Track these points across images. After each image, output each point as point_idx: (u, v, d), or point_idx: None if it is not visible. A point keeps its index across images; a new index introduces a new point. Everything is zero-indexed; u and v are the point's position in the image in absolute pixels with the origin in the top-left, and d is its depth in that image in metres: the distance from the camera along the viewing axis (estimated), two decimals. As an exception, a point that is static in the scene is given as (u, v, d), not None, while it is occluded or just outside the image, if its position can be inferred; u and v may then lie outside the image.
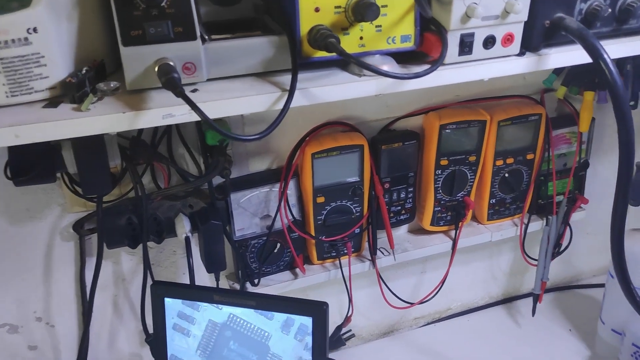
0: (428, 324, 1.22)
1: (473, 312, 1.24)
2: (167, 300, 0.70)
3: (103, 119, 0.53)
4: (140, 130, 0.81)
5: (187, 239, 0.85)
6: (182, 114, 0.55)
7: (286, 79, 0.60)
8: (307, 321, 0.66)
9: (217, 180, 0.87)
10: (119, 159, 0.80)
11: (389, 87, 0.62)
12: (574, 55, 0.71)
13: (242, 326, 0.68)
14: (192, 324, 0.70)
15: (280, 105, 0.58)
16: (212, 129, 0.52)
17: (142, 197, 0.83)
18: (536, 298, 1.14)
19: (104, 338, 0.96)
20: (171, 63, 0.56)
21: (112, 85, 0.56)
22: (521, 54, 0.71)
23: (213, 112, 0.55)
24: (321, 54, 0.61)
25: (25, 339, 0.92)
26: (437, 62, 0.63)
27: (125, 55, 0.56)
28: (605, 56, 0.65)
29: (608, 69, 0.64)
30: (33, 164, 0.75)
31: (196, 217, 0.87)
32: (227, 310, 0.68)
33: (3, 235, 0.84)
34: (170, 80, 0.53)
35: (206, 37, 0.60)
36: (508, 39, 0.68)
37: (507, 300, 1.26)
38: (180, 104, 0.55)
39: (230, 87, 0.59)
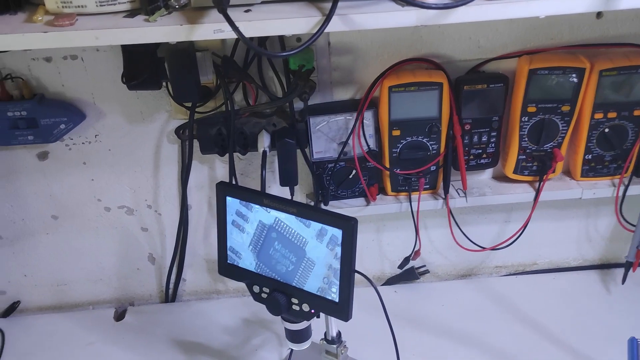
0: (510, 274, 1.20)
1: (562, 271, 1.19)
2: (228, 199, 0.80)
3: (162, 29, 0.63)
4: (233, 51, 0.91)
5: (264, 153, 0.94)
6: (230, 30, 0.62)
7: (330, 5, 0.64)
8: (338, 233, 0.72)
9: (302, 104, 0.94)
10: (212, 74, 0.91)
11: (431, 18, 0.63)
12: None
13: (285, 230, 0.77)
14: (246, 222, 0.80)
15: (321, 29, 0.63)
16: (245, 43, 0.59)
17: (231, 112, 0.94)
18: (629, 266, 1.06)
19: (199, 232, 1.12)
20: (229, -17, 0.63)
21: (181, 2, 0.65)
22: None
23: (256, 30, 0.62)
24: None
25: (139, 221, 1.10)
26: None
27: (192, -26, 0.64)
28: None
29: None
30: (142, 72, 0.89)
31: (276, 136, 0.96)
32: (274, 214, 0.77)
33: (121, 132, 1.00)
34: (217, -3, 0.60)
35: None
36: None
37: (603, 267, 1.18)
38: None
39: (280, 10, 0.65)
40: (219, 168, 1.05)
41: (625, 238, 1.15)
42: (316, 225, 0.74)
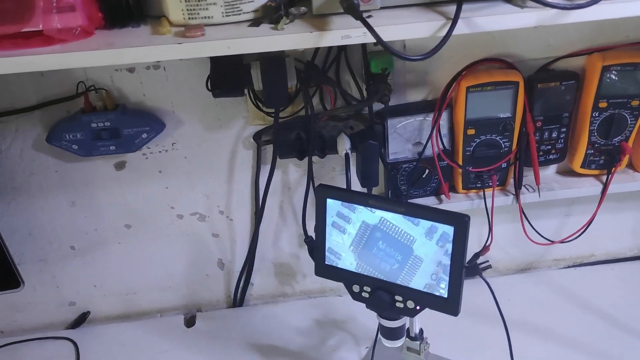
0: (568, 267, 1.23)
1: (619, 262, 1.22)
2: (328, 201, 0.81)
3: (294, 37, 0.64)
4: (314, 56, 0.92)
5: (347, 156, 0.96)
6: (357, 36, 0.64)
7: (450, 9, 0.66)
8: (449, 230, 0.74)
9: (377, 106, 0.96)
10: (294, 79, 0.93)
11: (549, 18, 0.65)
12: None
13: (390, 229, 0.78)
14: (348, 223, 0.81)
15: (444, 33, 0.65)
16: (385, 48, 0.61)
17: (311, 116, 0.95)
18: (690, 254, 1.10)
19: (269, 236, 1.13)
20: (352, -9, 0.65)
21: (301, 10, 0.67)
22: None
23: (384, 35, 0.64)
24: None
25: (210, 227, 1.11)
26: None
27: (314, -16, 0.66)
28: None
29: None
30: (227, 80, 0.90)
31: (356, 138, 0.97)
32: (379, 214, 0.78)
33: (198, 139, 1.01)
34: (351, 5, 0.62)
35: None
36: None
37: (658, 256, 1.22)
38: (356, 26, 0.64)
39: (400, 15, 0.67)
40: (292, 172, 1.07)
41: (681, 227, 1.20)
42: (426, 223, 0.76)
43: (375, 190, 1.07)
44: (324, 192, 0.82)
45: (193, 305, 1.19)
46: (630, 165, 1.08)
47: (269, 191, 1.05)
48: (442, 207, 1.05)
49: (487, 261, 1.19)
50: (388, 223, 0.78)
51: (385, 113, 0.96)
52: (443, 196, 1.05)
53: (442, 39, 0.64)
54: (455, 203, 1.06)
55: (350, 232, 0.82)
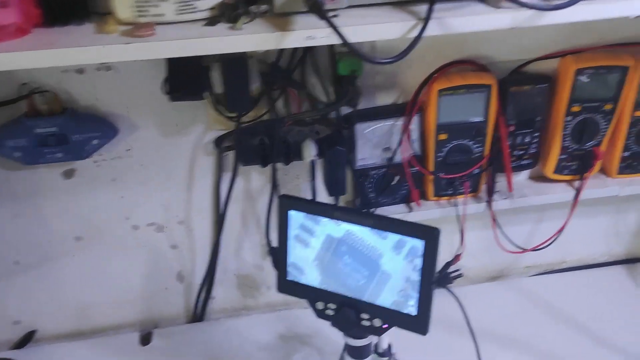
0: (539, 274, 1.21)
1: (590, 268, 1.20)
2: (291, 212, 0.76)
3: (254, 37, 0.59)
4: (279, 57, 0.87)
5: (312, 163, 0.91)
6: (322, 37, 0.59)
7: (422, 9, 0.62)
8: (419, 244, 0.70)
9: (345, 110, 0.92)
10: (258, 82, 0.87)
11: (525, 20, 0.62)
12: None
13: (357, 242, 0.74)
14: (312, 236, 0.76)
15: (415, 34, 0.60)
16: (351, 50, 0.56)
17: (275, 120, 0.90)
18: (662, 260, 1.09)
19: (231, 247, 1.07)
20: (316, -12, 0.60)
21: (261, 8, 0.61)
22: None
23: (351, 36, 0.59)
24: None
25: (168, 238, 1.05)
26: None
27: (274, -20, 0.61)
28: None
29: None
30: (185, 82, 0.84)
31: (322, 143, 0.92)
32: (345, 226, 0.74)
33: (155, 145, 0.95)
34: (315, 3, 0.57)
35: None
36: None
37: (630, 261, 1.21)
38: (321, 27, 0.59)
39: (369, 14, 0.62)
40: (254, 179, 1.01)
41: (651, 232, 1.19)
42: (394, 237, 0.71)
43: (343, 199, 1.03)
44: (286, 204, 0.77)
45: (150, 321, 1.13)
46: (602, 171, 1.06)
47: (230, 199, 0.99)
48: (412, 215, 1.01)
49: (458, 270, 1.16)
50: (354, 236, 0.74)
51: (354, 117, 0.92)
52: (414, 204, 1.01)
53: (412, 41, 0.59)
54: (426, 211, 1.02)
55: (314, 245, 0.77)
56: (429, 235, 0.69)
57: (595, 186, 1.04)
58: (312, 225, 0.76)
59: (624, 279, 1.17)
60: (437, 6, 0.61)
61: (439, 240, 0.70)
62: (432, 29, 0.61)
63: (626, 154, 1.01)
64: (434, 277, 0.72)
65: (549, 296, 1.14)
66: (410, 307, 0.74)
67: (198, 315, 1.12)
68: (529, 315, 1.09)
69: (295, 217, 0.77)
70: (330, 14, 0.62)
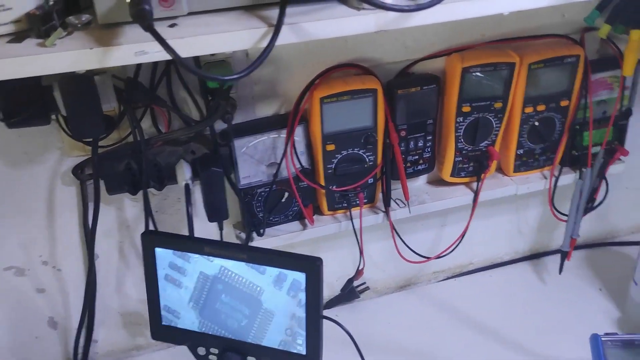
0: (448, 278, 1.17)
1: (496, 267, 1.18)
2: (157, 250, 0.67)
3: (68, 55, 0.48)
4: (137, 72, 0.77)
5: (187, 187, 0.81)
6: (156, 51, 0.50)
7: (274, 13, 0.54)
8: (300, 277, 0.62)
9: (223, 125, 0.82)
10: (114, 101, 0.76)
11: (390, 22, 0.55)
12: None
13: (233, 279, 0.65)
14: (183, 275, 0.67)
15: (267, 42, 0.52)
16: (184, 66, 0.47)
17: (140, 142, 0.80)
18: (564, 255, 1.07)
19: (111, 284, 0.96)
20: (145, -7, 0.51)
21: (83, 19, 0.51)
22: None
23: (191, 49, 0.50)
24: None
25: (33, 281, 0.92)
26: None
27: (95, -16, 0.51)
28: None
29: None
30: (24, 105, 0.72)
31: (198, 164, 0.83)
32: (218, 262, 0.65)
33: (4, 179, 0.82)
34: (139, 12, 0.47)
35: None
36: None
37: (533, 257, 1.19)
38: (154, 39, 0.49)
39: (214, 22, 0.54)
40: (128, 208, 0.90)
41: (552, 226, 1.17)
42: (273, 271, 0.63)
43: (229, 222, 0.94)
44: (150, 241, 0.67)
45: (25, 375, 0.99)
46: (500, 170, 1.03)
47: (102, 232, 0.88)
48: (307, 232, 0.94)
49: (364, 283, 1.10)
50: (229, 273, 0.65)
51: (231, 133, 0.83)
52: (306, 221, 0.94)
53: (262, 52, 0.51)
54: (322, 227, 0.95)
55: (187, 285, 0.67)
56: (310, 266, 0.62)
57: (494, 186, 1.00)
58: (183, 263, 0.67)
59: (529, 275, 1.15)
60: (292, 10, 0.53)
61: (321, 272, 0.62)
62: (287, 37, 0.53)
63: (520, 151, 0.98)
64: (321, 311, 0.65)
65: (458, 300, 1.10)
66: (299, 346, 0.66)
67: (80, 362, 1.00)
68: (438, 322, 1.06)
69: (163, 255, 0.67)
70: (169, 23, 0.53)
